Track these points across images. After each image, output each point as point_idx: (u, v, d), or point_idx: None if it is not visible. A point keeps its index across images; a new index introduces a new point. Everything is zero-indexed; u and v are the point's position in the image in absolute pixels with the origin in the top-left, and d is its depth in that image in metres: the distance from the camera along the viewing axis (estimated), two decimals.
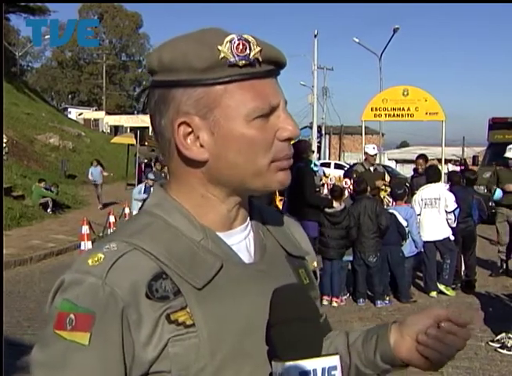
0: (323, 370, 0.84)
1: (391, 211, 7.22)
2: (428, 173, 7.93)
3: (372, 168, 8.97)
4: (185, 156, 0.93)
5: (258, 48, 0.91)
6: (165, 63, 0.92)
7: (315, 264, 1.13)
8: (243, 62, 0.90)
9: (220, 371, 0.88)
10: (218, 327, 0.88)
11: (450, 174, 8.38)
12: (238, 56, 0.89)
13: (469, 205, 7.72)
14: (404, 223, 7.16)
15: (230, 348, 0.88)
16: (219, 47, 0.89)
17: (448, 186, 7.81)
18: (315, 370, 0.83)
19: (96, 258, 0.89)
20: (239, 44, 0.90)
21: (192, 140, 0.92)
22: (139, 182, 21.67)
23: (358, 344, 1.02)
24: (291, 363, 0.83)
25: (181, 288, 0.88)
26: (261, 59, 0.91)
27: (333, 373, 0.84)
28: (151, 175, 13.97)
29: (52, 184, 16.52)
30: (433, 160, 9.98)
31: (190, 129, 0.92)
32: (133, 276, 0.87)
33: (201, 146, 0.92)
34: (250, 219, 1.03)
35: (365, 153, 9.13)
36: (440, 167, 9.71)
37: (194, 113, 0.91)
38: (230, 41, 0.89)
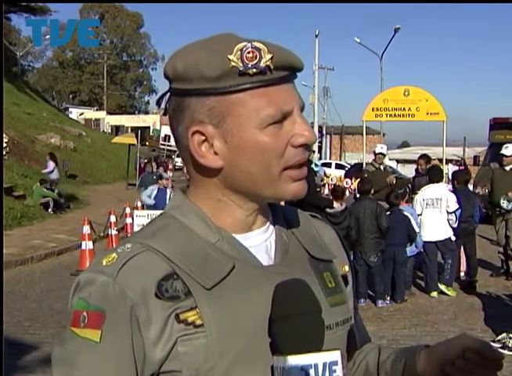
0: (324, 364, 0.84)
1: (405, 213, 7.20)
2: (430, 173, 7.95)
3: (382, 167, 9.18)
4: (200, 163, 0.94)
5: (269, 56, 0.90)
6: (179, 71, 0.92)
7: (347, 268, 1.10)
8: (254, 70, 0.89)
9: (230, 371, 0.88)
10: (227, 328, 0.88)
11: (455, 174, 8.37)
12: (248, 64, 0.89)
13: (472, 205, 7.73)
14: (417, 229, 7.14)
15: (241, 348, 0.88)
16: (229, 56, 0.89)
17: (450, 186, 7.80)
18: (316, 365, 0.84)
19: (110, 259, 0.92)
20: (249, 52, 0.89)
21: (206, 148, 0.93)
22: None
23: (387, 364, 1.02)
24: (293, 357, 0.84)
25: (191, 289, 0.89)
26: (272, 67, 0.90)
27: (334, 368, 0.85)
28: (165, 174, 13.81)
29: (51, 183, 16.45)
30: (434, 160, 10.00)
31: (204, 137, 0.92)
32: (143, 276, 0.89)
33: (215, 153, 0.93)
34: (273, 222, 1.02)
35: (375, 153, 9.38)
36: (441, 167, 9.75)
37: (208, 122, 0.92)
38: (240, 50, 0.89)
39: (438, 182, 7.61)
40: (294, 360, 0.84)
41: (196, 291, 0.89)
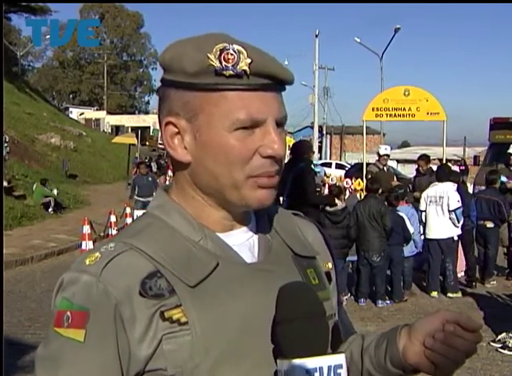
0: (329, 368, 0.84)
1: (400, 213, 7.22)
2: (438, 172, 7.97)
3: (385, 168, 9.23)
4: (171, 155, 0.96)
5: (248, 61, 0.90)
6: (165, 62, 0.94)
7: (330, 265, 1.10)
8: (230, 72, 0.90)
9: (215, 369, 0.88)
10: (212, 325, 0.88)
11: (450, 173, 8.37)
12: (224, 65, 0.89)
13: (467, 205, 7.73)
14: (411, 229, 7.16)
15: (226, 345, 0.88)
16: (209, 54, 0.90)
17: (456, 185, 7.79)
18: (321, 368, 0.83)
19: (93, 258, 0.91)
20: (227, 53, 0.90)
21: (179, 140, 0.95)
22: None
23: (371, 348, 1.02)
24: (297, 360, 0.83)
25: (175, 287, 0.89)
26: (249, 72, 0.90)
27: (338, 371, 0.84)
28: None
29: (49, 184, 16.36)
30: (434, 160, 10.00)
31: (177, 130, 0.94)
32: (127, 275, 0.89)
33: (185, 148, 0.94)
34: (256, 221, 1.03)
35: (379, 154, 9.42)
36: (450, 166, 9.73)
37: (182, 115, 0.93)
38: (220, 50, 0.90)
39: (445, 180, 7.61)
40: (299, 364, 0.83)
41: (180, 289, 0.89)
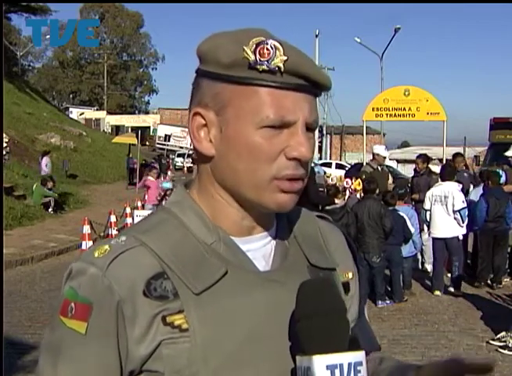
0: (349, 365, 0.82)
1: (400, 213, 7.22)
2: (442, 172, 7.98)
3: (380, 168, 9.18)
4: (195, 147, 0.93)
5: (284, 58, 0.87)
6: (201, 53, 0.93)
7: (350, 275, 1.06)
8: (263, 67, 0.87)
9: None
10: (213, 334, 0.87)
11: (488, 174, 8.34)
12: (258, 59, 0.87)
13: (502, 205, 7.73)
14: (412, 229, 7.17)
15: (227, 356, 0.87)
16: (245, 47, 0.87)
17: (461, 185, 7.77)
18: (341, 365, 0.82)
19: (102, 250, 0.90)
20: (263, 48, 0.87)
21: (205, 133, 0.92)
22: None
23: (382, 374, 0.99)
24: (317, 357, 0.82)
25: (179, 291, 0.87)
26: (283, 69, 0.87)
27: (358, 368, 0.83)
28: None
29: (56, 186, 16.35)
30: (434, 160, 9.97)
31: (204, 122, 0.92)
32: (133, 272, 0.88)
33: (211, 141, 0.92)
34: (276, 225, 0.99)
35: (375, 154, 9.33)
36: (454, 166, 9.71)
37: (211, 107, 0.91)
38: (256, 44, 0.88)
39: (449, 180, 7.62)
40: (319, 360, 0.82)
41: (185, 295, 0.87)
